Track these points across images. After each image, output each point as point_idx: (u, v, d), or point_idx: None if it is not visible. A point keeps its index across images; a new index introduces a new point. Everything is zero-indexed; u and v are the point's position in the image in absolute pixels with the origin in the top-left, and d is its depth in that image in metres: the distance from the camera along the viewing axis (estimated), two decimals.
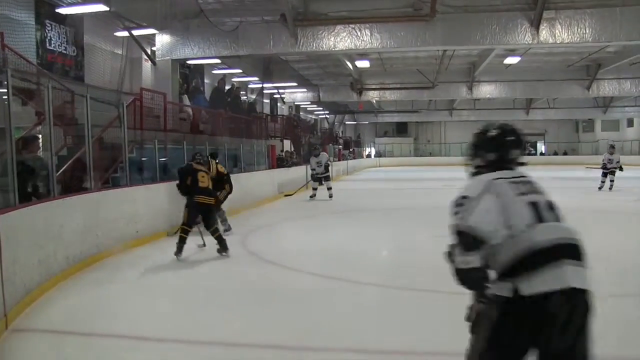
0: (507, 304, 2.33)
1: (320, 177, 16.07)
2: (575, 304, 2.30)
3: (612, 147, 18.15)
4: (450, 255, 2.49)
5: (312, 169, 16.36)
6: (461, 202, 2.47)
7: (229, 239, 9.12)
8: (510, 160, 2.67)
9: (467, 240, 2.38)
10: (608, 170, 17.41)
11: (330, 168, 16.64)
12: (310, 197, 15.91)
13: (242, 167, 14.36)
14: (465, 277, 2.43)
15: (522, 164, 2.70)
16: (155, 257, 7.98)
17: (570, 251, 2.39)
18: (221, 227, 8.90)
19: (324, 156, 16.23)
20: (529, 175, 2.62)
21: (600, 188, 17.57)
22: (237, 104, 18.12)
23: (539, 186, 2.57)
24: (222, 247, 7.73)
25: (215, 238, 7.76)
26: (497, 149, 2.67)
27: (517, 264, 2.34)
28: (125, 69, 13.77)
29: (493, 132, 2.72)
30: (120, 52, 14.22)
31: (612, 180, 17.39)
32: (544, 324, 2.27)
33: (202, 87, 18.28)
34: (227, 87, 18.45)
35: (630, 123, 43.51)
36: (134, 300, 5.82)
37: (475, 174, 2.71)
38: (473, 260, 2.37)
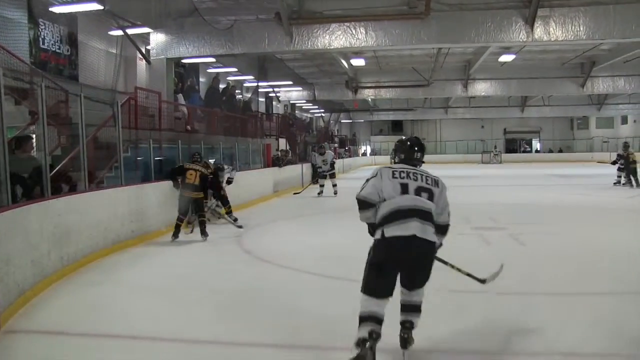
0: (378, 242, 3.85)
1: (326, 174, 16.80)
2: (413, 246, 3.74)
3: (626, 144, 18.45)
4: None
5: (319, 167, 17.23)
6: (364, 182, 4.06)
7: (224, 236, 9.19)
8: (414, 159, 4.18)
9: (362, 203, 3.99)
10: (623, 167, 17.83)
11: (335, 165, 17.33)
12: (318, 193, 16.57)
13: (238, 166, 14.32)
14: (369, 227, 4.08)
15: (422, 162, 4.22)
16: (150, 257, 7.98)
17: (419, 213, 3.80)
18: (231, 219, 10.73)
19: (329, 154, 16.97)
20: (423, 171, 4.06)
21: (615, 183, 18.03)
22: (232, 103, 18.09)
23: (421, 177, 3.97)
24: (202, 232, 9.11)
25: (199, 222, 9.20)
26: (405, 152, 4.21)
27: (385, 218, 3.83)
28: (120, 68, 13.75)
29: (406, 143, 4.27)
30: (114, 51, 14.19)
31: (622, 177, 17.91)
32: (397, 255, 3.78)
33: (197, 86, 18.23)
34: (222, 86, 18.42)
35: (624, 120, 43.66)
36: (129, 300, 5.79)
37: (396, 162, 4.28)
38: (370, 216, 3.99)
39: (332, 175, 16.78)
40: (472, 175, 26.64)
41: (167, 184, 9.49)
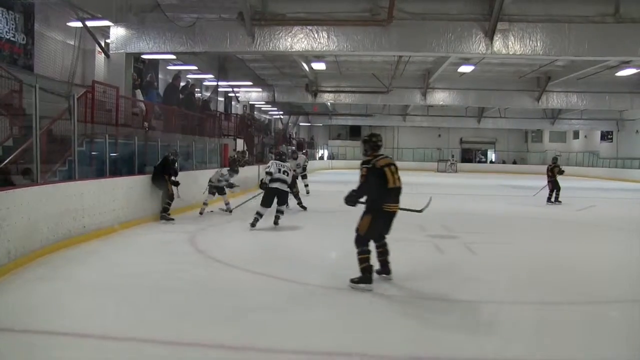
0: (269, 189, 10.15)
1: (299, 176, 17.27)
2: (278, 189, 10.12)
3: None
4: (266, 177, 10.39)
5: (294, 170, 17.76)
6: (268, 166, 10.39)
7: (177, 236, 9.09)
8: (282, 159, 10.91)
9: (268, 174, 10.16)
10: None
11: (306, 167, 17.93)
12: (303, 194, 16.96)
13: (194, 164, 14.22)
14: (262, 184, 10.43)
15: (286, 159, 11.67)
16: (102, 254, 7.85)
17: (283, 180, 10.19)
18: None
19: (301, 158, 17.65)
20: (286, 164, 10.61)
21: None
22: (190, 101, 17.93)
23: (285, 166, 10.45)
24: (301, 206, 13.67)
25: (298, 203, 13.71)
26: (279, 156, 11.36)
27: (271, 181, 10.13)
28: (78, 61, 13.43)
29: (280, 152, 13.79)
30: (72, 42, 13.86)
31: None
32: (274, 193, 10.18)
33: (156, 83, 18.00)
34: (182, 84, 18.23)
35: (576, 135, 45.18)
36: (78, 298, 5.68)
37: (275, 160, 10.87)
38: (269, 180, 10.13)
39: (304, 177, 17.56)
40: (428, 183, 26.94)
41: (122, 180, 9.35)
